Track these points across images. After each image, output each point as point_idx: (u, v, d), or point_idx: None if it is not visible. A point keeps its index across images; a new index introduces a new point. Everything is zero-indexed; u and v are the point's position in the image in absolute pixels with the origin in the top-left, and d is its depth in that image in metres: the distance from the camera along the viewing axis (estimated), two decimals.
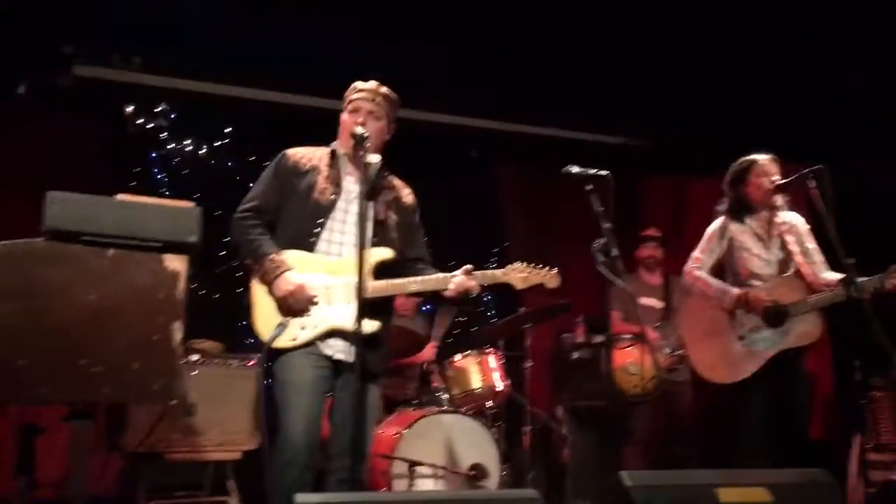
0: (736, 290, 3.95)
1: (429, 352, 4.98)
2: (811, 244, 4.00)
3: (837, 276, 3.76)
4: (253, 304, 3.08)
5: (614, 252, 3.08)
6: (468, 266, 3.13)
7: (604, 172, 3.22)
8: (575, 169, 3.26)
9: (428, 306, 5.45)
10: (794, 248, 3.98)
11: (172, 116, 5.66)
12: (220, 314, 5.20)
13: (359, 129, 3.04)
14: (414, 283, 3.14)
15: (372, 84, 3.23)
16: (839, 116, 5.77)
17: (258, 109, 5.78)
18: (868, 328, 3.53)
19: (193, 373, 4.08)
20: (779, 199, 4.02)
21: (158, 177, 5.76)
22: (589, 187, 3.22)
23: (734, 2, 4.94)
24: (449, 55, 5.38)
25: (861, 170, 5.71)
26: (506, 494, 2.37)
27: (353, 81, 3.28)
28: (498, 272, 3.19)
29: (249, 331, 5.59)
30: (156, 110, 5.60)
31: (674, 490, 2.47)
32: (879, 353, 4.29)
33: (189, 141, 5.81)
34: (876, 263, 3.72)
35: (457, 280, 3.10)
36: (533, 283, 3.21)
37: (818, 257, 3.96)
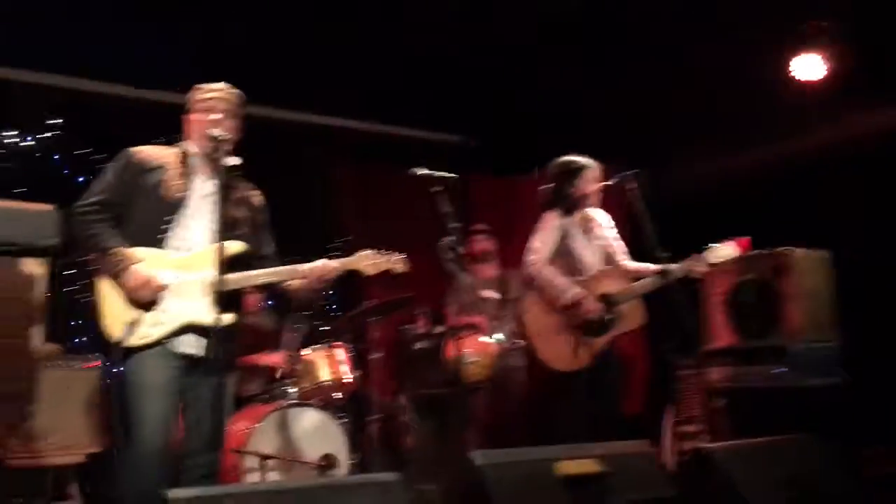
0: (573, 292, 4.10)
1: (278, 358, 4.93)
2: (615, 235, 4.40)
3: (641, 265, 4.09)
4: (100, 302, 3.04)
5: (461, 250, 3.29)
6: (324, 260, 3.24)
7: (451, 175, 3.40)
8: (422, 171, 3.43)
9: (271, 301, 5.45)
10: (605, 241, 4.36)
11: None
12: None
13: (216, 132, 3.09)
14: (266, 274, 3.21)
15: (222, 85, 3.28)
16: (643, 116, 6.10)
17: (87, 102, 5.59)
18: (678, 313, 3.96)
19: None
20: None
21: None
22: (436, 188, 3.40)
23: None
24: (277, 52, 5.43)
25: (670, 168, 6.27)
26: (371, 479, 2.52)
27: (183, 76, 3.27)
28: (349, 259, 3.26)
29: (79, 330, 5.42)
30: None
31: (519, 466, 2.74)
32: (687, 336, 4.81)
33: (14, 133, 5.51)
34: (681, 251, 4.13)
35: (310, 266, 3.21)
36: (382, 269, 3.28)
37: (623, 247, 4.37)
